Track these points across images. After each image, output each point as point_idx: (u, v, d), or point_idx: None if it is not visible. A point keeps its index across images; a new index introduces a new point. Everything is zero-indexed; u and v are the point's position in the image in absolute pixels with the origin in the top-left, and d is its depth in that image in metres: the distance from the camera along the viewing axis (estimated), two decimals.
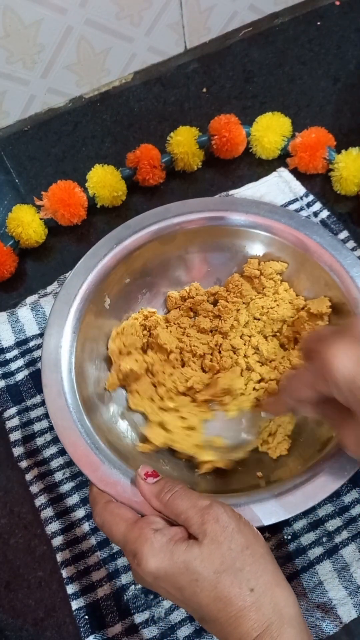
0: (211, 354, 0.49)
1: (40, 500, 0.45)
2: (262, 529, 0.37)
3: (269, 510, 0.38)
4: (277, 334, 0.50)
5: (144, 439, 0.45)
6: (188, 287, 0.52)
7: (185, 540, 0.34)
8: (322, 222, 0.57)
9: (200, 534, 0.34)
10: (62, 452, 0.47)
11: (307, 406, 0.39)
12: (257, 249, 0.51)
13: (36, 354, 0.52)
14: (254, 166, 0.63)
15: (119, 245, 0.48)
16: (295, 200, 0.59)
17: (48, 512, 0.45)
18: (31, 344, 0.52)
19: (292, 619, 0.32)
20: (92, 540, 0.44)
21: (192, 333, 0.50)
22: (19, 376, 0.51)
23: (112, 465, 0.39)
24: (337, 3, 0.76)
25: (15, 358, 0.52)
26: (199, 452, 0.45)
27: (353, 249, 0.55)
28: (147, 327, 0.50)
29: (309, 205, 0.58)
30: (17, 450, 0.47)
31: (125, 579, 0.42)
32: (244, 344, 0.49)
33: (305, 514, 0.44)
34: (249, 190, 0.60)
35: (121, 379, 0.47)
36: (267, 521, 0.38)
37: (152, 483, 0.37)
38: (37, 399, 0.50)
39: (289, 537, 0.43)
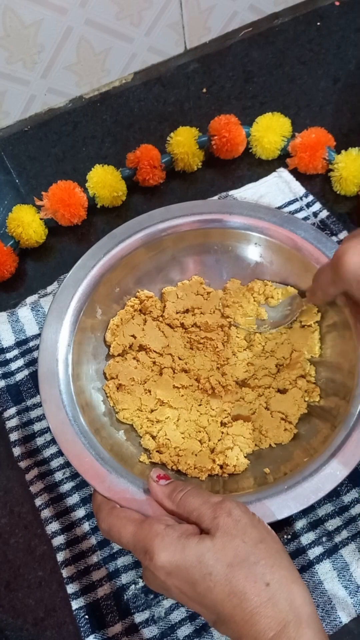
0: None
1: (40, 500, 0.45)
2: None
3: (281, 504, 0.38)
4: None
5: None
6: (189, 282, 0.52)
7: (197, 535, 0.33)
8: (322, 222, 0.57)
9: (213, 528, 0.33)
10: (62, 452, 0.47)
11: (338, 297, 0.43)
12: (244, 249, 0.52)
13: (36, 354, 0.52)
14: (253, 166, 0.63)
15: (106, 256, 0.49)
16: (295, 200, 0.59)
17: (48, 512, 0.45)
18: (31, 343, 0.52)
19: (309, 619, 0.31)
20: (92, 540, 0.44)
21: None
22: (19, 376, 0.51)
23: (118, 475, 0.39)
24: (337, 3, 0.76)
25: (15, 358, 0.52)
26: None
27: None
28: (142, 311, 0.50)
29: (308, 205, 0.58)
30: (17, 450, 0.48)
31: (125, 578, 0.42)
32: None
33: (305, 513, 0.44)
34: (249, 191, 0.60)
35: (126, 346, 0.48)
36: (280, 515, 0.38)
37: (165, 485, 0.37)
38: (37, 398, 0.50)
39: (289, 536, 0.43)
